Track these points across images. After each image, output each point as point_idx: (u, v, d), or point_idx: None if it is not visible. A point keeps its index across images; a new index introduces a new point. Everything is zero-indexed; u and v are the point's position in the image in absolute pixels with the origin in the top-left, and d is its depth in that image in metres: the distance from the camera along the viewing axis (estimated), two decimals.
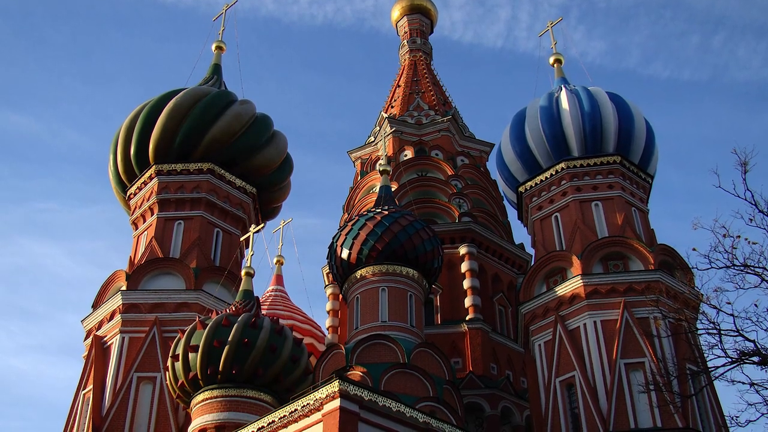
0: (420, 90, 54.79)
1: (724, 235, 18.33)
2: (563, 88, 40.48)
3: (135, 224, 41.51)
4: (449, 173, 46.26)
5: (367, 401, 23.40)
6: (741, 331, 18.13)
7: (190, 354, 29.28)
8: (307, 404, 23.61)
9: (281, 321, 32.62)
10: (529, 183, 39.40)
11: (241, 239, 39.85)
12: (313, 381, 30.59)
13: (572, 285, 34.03)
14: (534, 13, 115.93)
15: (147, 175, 41.21)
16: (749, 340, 18.05)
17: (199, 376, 29.06)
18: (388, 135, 49.90)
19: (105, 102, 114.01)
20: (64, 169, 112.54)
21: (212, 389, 29.08)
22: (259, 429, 25.00)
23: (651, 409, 29.78)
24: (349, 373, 29.16)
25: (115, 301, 36.63)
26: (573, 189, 37.66)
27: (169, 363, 30.24)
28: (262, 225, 40.42)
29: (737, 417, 18.08)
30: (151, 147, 41.05)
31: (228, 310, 31.33)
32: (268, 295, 45.84)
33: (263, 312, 35.10)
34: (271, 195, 44.76)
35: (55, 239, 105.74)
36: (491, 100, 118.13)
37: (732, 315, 18.24)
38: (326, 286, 45.37)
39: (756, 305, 18.23)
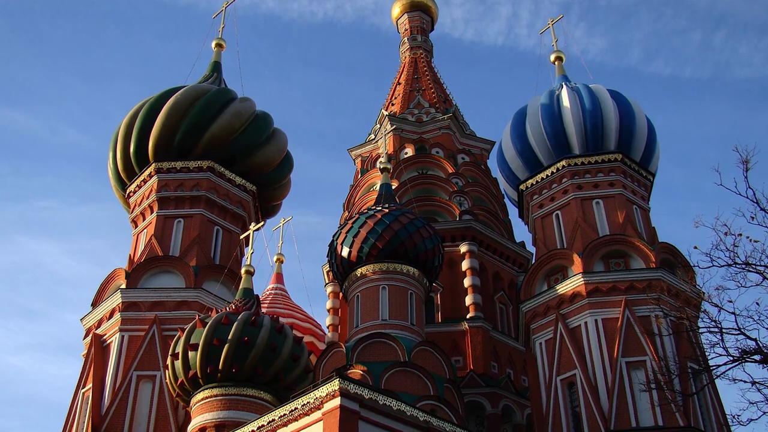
0: (421, 87, 54.66)
1: (726, 233, 18.16)
2: (564, 86, 40.37)
3: (134, 222, 41.39)
4: (450, 171, 46.16)
5: (368, 400, 23.31)
6: (743, 330, 17.97)
7: (189, 352, 29.18)
8: (308, 403, 23.51)
9: (281, 319, 32.54)
10: (530, 181, 39.30)
11: (241, 237, 39.72)
12: (314, 379, 30.49)
13: (573, 283, 33.93)
14: (535, 10, 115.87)
15: (146, 173, 41.07)
16: (751, 339, 17.90)
17: (199, 375, 28.97)
18: (388, 133, 49.79)
19: (104, 99, 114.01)
20: (63, 166, 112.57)
21: (212, 388, 29.00)
22: (259, 428, 24.91)
23: (652, 408, 29.71)
24: (349, 371, 29.05)
25: (115, 300, 36.51)
26: (574, 187, 37.55)
27: (168, 361, 30.16)
28: (262, 223, 40.32)
29: (739, 416, 17.91)
30: (150, 145, 40.91)
31: (228, 309, 31.24)
32: (268, 293, 45.73)
33: (263, 310, 35.00)
34: (271, 193, 44.63)
35: (54, 237, 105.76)
36: (492, 98, 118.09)
37: (734, 313, 18.07)
38: (326, 284, 45.27)
39: (758, 303, 18.07)
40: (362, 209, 38.53)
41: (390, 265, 33.21)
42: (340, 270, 34.52)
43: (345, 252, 33.84)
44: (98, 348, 36.01)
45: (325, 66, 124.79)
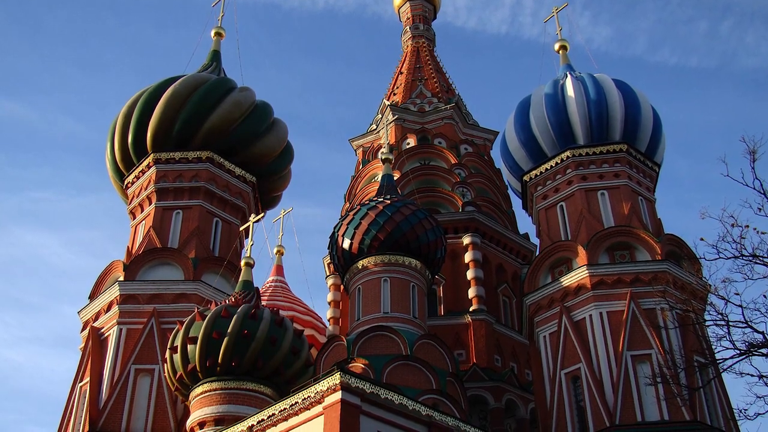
0: (423, 77, 54.22)
1: (733, 225, 17.96)
2: (568, 75, 39.96)
3: (133, 214, 41.05)
4: (452, 162, 45.78)
5: (369, 394, 23.03)
6: (749, 323, 17.79)
7: (188, 346, 28.93)
8: (308, 397, 23.24)
9: (281, 312, 32.26)
10: (534, 172, 38.95)
11: (241, 229, 39.37)
12: (314, 373, 30.16)
13: (578, 275, 33.57)
14: None
15: (145, 163, 40.70)
16: (758, 332, 17.71)
17: (198, 369, 28.70)
18: (390, 123, 49.23)
19: (102, 89, 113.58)
20: (60, 157, 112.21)
21: (211, 381, 28.73)
22: (259, 422, 24.65)
23: (658, 402, 29.35)
24: (350, 365, 28.72)
25: (113, 292, 36.22)
26: (578, 178, 37.19)
27: (167, 355, 29.90)
28: (262, 214, 40.02)
29: (746, 410, 17.75)
30: (149, 135, 40.51)
31: (227, 301, 31.01)
32: (268, 285, 45.42)
33: (263, 303, 34.77)
34: (271, 184, 44.29)
35: (51, 229, 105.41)
36: (495, 88, 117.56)
37: (740, 306, 17.88)
38: (327, 276, 44.98)
39: (765, 296, 17.88)
40: (364, 200, 38.12)
41: (392, 257, 32.84)
42: (341, 262, 34.15)
43: (346, 244, 33.46)
44: (96, 341, 35.73)
45: (325, 55, 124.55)
